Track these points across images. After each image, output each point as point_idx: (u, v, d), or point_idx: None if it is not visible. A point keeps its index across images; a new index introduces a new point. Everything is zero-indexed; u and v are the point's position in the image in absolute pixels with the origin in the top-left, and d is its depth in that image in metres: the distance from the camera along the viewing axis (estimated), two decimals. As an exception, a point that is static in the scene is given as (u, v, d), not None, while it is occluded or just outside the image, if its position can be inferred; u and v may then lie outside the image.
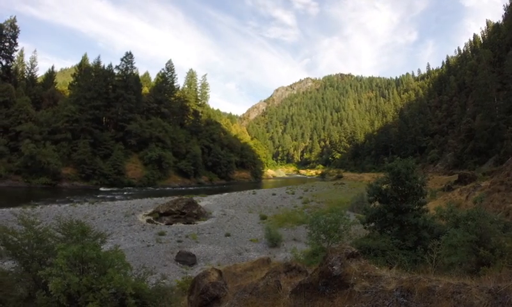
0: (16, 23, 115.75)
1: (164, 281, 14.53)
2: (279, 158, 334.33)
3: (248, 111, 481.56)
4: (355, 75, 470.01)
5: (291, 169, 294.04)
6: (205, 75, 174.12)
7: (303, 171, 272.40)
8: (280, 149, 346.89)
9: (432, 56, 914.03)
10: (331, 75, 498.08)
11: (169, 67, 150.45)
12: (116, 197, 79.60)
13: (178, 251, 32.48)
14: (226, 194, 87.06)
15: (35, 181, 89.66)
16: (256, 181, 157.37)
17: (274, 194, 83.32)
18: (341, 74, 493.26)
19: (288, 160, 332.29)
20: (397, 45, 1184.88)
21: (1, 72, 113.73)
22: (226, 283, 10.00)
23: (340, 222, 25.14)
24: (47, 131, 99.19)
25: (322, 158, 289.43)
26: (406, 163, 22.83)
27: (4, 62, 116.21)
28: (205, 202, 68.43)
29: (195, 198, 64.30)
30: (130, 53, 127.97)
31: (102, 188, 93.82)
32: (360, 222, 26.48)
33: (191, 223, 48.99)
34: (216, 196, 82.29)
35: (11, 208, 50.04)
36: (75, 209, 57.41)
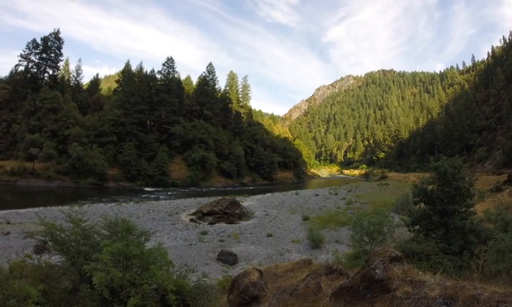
0: (60, 35, 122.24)
1: (204, 279, 14.66)
2: (322, 158, 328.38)
3: (290, 111, 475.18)
4: (397, 71, 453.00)
5: (334, 169, 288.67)
6: (246, 76, 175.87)
7: (346, 171, 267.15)
8: (322, 149, 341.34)
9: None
10: (372, 72, 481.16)
11: (210, 70, 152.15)
12: (160, 197, 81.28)
13: (220, 250, 32.72)
14: (268, 194, 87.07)
15: (82, 181, 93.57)
16: (299, 181, 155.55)
17: (317, 195, 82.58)
18: (383, 70, 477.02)
19: (331, 160, 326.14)
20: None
21: (49, 81, 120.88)
22: (266, 283, 9.95)
23: (383, 224, 24.40)
24: (93, 134, 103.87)
25: (365, 157, 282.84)
26: (452, 162, 21.85)
27: (51, 72, 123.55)
28: (247, 202, 68.72)
29: (238, 198, 64.47)
30: (171, 58, 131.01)
31: (146, 189, 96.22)
32: (404, 224, 25.69)
33: (233, 223, 49.29)
34: (258, 196, 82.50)
35: (60, 207, 52.03)
36: (121, 208, 59.02)
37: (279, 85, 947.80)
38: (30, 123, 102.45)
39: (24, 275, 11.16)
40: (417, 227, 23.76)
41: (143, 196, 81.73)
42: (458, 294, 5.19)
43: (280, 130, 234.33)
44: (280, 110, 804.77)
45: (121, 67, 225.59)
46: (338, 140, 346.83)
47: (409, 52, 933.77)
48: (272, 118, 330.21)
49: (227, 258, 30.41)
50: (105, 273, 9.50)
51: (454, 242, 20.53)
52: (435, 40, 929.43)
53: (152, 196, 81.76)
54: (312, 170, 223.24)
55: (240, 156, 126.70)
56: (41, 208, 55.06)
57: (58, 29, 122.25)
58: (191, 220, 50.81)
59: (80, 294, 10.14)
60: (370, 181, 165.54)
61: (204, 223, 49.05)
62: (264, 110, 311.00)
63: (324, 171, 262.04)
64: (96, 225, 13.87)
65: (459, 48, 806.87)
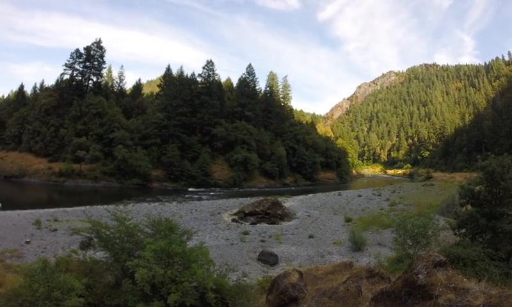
0: (101, 44, 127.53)
1: (244, 278, 14.74)
2: (365, 158, 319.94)
3: (332, 110, 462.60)
4: (440, 65, 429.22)
5: (377, 169, 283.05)
6: (286, 76, 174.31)
7: (390, 171, 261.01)
8: (365, 148, 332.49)
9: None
10: (414, 67, 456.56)
11: (250, 71, 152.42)
12: (203, 197, 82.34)
13: (261, 250, 32.76)
14: (311, 195, 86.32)
15: (127, 182, 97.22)
16: (341, 182, 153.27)
17: (359, 196, 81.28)
18: (425, 64, 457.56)
19: (374, 159, 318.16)
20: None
21: (93, 87, 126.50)
22: (306, 284, 9.88)
23: (428, 227, 23.41)
24: (137, 137, 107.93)
25: (410, 157, 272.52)
26: (501, 161, 20.67)
27: (95, 79, 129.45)
28: (289, 203, 68.42)
29: (280, 199, 64.24)
30: (211, 61, 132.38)
31: (189, 189, 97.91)
32: (449, 227, 24.75)
33: (275, 223, 49.24)
34: (300, 196, 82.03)
35: (105, 206, 53.83)
36: (164, 207, 60.20)
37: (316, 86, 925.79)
38: (77, 127, 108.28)
39: (69, 270, 11.65)
40: (463, 230, 22.69)
41: (186, 196, 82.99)
42: (503, 303, 4.94)
43: (321, 130, 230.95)
44: (321, 110, 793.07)
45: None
46: (381, 139, 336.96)
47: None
48: (314, 117, 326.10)
49: (268, 259, 30.40)
50: (147, 269, 9.73)
51: (502, 247, 19.35)
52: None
53: (195, 196, 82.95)
54: (355, 170, 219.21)
55: (282, 156, 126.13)
56: (87, 206, 57.03)
57: (100, 38, 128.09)
58: (233, 220, 51.14)
59: (122, 289, 10.43)
60: (415, 181, 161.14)
61: (246, 223, 49.24)
62: (305, 110, 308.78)
63: (368, 171, 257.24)
64: (140, 223, 14.24)
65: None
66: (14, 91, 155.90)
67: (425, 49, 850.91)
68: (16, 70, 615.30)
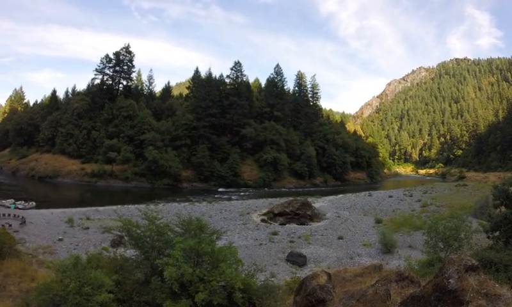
0: (130, 49, 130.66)
1: (272, 279, 14.74)
2: (396, 157, 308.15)
3: (361, 109, 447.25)
4: (471, 59, 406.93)
5: (409, 168, 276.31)
6: (314, 75, 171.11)
7: (421, 171, 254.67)
8: (396, 147, 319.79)
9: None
10: (445, 62, 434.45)
11: (278, 71, 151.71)
12: (233, 197, 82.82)
13: (290, 251, 32.68)
14: (341, 195, 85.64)
15: (158, 182, 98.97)
16: (372, 182, 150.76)
17: (390, 196, 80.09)
18: (456, 59, 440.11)
19: (405, 159, 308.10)
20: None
21: (123, 91, 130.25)
22: (334, 286, 9.79)
23: (460, 230, 22.75)
24: (168, 138, 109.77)
25: (442, 156, 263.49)
26: None
27: (125, 83, 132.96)
28: (319, 203, 68.02)
29: (309, 199, 63.68)
30: (239, 62, 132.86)
31: (219, 189, 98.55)
32: (482, 230, 24.02)
33: (304, 224, 49.06)
34: (330, 197, 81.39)
35: (136, 205, 54.96)
36: (194, 207, 60.83)
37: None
38: (108, 129, 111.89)
39: (100, 266, 11.93)
40: (497, 233, 21.94)
41: (216, 196, 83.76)
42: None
43: (351, 129, 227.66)
44: (351, 108, 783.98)
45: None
46: (413, 137, 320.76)
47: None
48: (343, 116, 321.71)
49: (296, 259, 30.29)
50: (176, 268, 9.86)
51: (537, 252, 18.49)
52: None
53: (224, 196, 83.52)
54: (386, 170, 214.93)
55: (311, 156, 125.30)
56: (118, 206, 58.28)
57: (128, 44, 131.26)
58: (262, 220, 51.19)
59: (150, 286, 10.61)
60: (447, 181, 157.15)
61: (275, 223, 49.23)
62: (334, 109, 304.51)
63: (399, 171, 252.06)
64: (170, 223, 14.46)
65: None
66: (47, 96, 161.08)
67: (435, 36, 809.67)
68: (32, 78, 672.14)
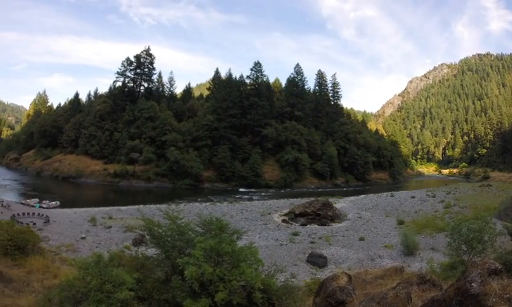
0: (150, 52, 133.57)
1: (292, 279, 14.68)
2: (418, 157, 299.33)
3: (383, 107, 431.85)
4: (494, 54, 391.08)
5: (432, 168, 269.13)
6: (335, 74, 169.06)
7: (444, 171, 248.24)
8: (419, 146, 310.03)
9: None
10: (467, 57, 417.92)
11: (298, 71, 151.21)
12: (254, 197, 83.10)
13: (310, 251, 32.58)
14: (362, 196, 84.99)
15: (179, 182, 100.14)
16: (394, 182, 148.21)
17: (413, 197, 78.90)
18: (478, 54, 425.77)
19: (428, 158, 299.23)
20: None
21: (145, 93, 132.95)
22: (354, 288, 9.71)
23: (484, 232, 22.00)
24: (189, 139, 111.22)
25: (466, 155, 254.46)
26: None
27: (146, 85, 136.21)
28: (340, 204, 67.55)
29: (331, 200, 63.44)
30: (259, 62, 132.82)
31: (240, 189, 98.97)
32: (507, 232, 23.48)
33: (325, 225, 48.85)
34: (352, 197, 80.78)
35: (158, 205, 55.76)
36: (215, 207, 61.15)
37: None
38: (130, 131, 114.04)
39: (122, 264, 12.13)
40: (522, 236, 21.55)
41: (237, 196, 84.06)
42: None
43: (373, 128, 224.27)
44: (372, 107, 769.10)
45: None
46: (436, 136, 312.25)
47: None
48: (365, 115, 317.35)
49: (317, 260, 30.19)
50: (196, 267, 9.93)
51: None
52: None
53: (246, 197, 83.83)
54: (408, 170, 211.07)
55: (333, 156, 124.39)
56: (140, 205, 59.10)
57: (148, 46, 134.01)
58: (283, 220, 51.20)
59: (171, 285, 10.72)
60: (471, 182, 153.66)
61: (296, 224, 49.18)
62: (355, 108, 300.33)
63: (421, 171, 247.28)
64: (191, 222, 14.55)
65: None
66: (70, 98, 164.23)
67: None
68: (44, 83, 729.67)
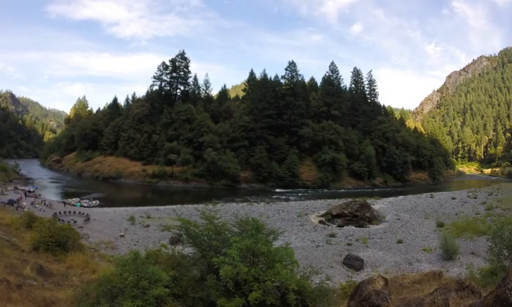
0: (185, 56, 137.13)
1: (327, 282, 14.49)
2: (459, 155, 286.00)
3: (421, 104, 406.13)
4: None
5: (473, 168, 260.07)
6: (370, 71, 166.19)
7: (486, 170, 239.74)
8: (459, 145, 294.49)
9: None
10: (507, 48, 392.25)
11: (333, 69, 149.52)
12: (291, 198, 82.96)
13: (347, 254, 32.24)
14: (401, 197, 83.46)
15: (216, 183, 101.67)
16: (434, 183, 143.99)
17: (453, 198, 76.76)
18: None
19: (469, 157, 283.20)
20: None
21: (181, 95, 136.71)
22: (390, 293, 9.53)
23: None
24: (226, 140, 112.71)
25: (508, 153, 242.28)
26: None
27: (182, 88, 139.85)
28: (378, 205, 66.50)
29: (369, 201, 62.72)
30: (293, 62, 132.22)
31: (277, 190, 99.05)
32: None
33: (362, 226, 48.27)
34: (390, 198, 79.31)
35: (195, 205, 56.54)
36: (252, 208, 61.48)
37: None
38: (168, 133, 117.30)
39: (158, 262, 12.43)
40: None
41: (274, 196, 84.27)
42: None
43: (411, 126, 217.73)
44: (411, 104, 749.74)
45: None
46: (477, 134, 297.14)
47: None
48: (403, 113, 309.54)
49: (353, 263, 29.84)
50: (232, 267, 10.00)
51: None
52: None
53: (282, 197, 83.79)
54: (449, 170, 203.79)
55: (371, 156, 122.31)
56: (178, 205, 60.40)
57: (183, 50, 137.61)
58: (320, 221, 50.96)
59: (206, 283, 10.82)
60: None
61: (333, 225, 48.86)
62: (393, 106, 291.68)
63: (462, 171, 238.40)
64: (227, 222, 14.63)
65: None
66: (108, 103, 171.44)
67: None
68: (69, 91, 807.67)
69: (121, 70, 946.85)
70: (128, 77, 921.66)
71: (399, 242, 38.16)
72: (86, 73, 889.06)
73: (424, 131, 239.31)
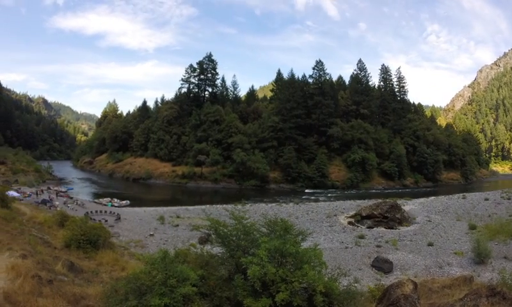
0: (212, 58, 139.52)
1: (355, 284, 14.33)
2: (492, 154, 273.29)
3: (452, 101, 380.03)
4: None
5: (507, 167, 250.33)
6: (399, 68, 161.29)
7: None
8: (492, 143, 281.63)
9: None
10: None
11: (361, 67, 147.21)
12: (320, 198, 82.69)
13: (376, 256, 31.84)
14: (432, 197, 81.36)
15: (245, 183, 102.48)
16: (466, 183, 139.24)
17: (486, 199, 74.34)
18: None
19: (503, 156, 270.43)
20: None
21: (209, 97, 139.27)
22: (419, 297, 9.40)
23: None
24: (254, 141, 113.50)
25: None
26: None
27: (210, 89, 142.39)
28: (409, 206, 65.15)
29: (399, 202, 61.64)
30: (321, 61, 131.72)
31: (306, 190, 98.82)
32: None
33: (392, 228, 47.56)
34: (421, 199, 77.33)
35: (224, 205, 57.20)
36: (280, 208, 61.51)
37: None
38: (197, 134, 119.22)
39: (187, 261, 12.72)
40: None
41: (303, 197, 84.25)
42: None
43: (442, 124, 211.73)
44: (441, 101, 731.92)
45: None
46: (511, 131, 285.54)
47: None
48: (434, 110, 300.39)
49: (382, 265, 29.44)
50: (260, 267, 10.06)
51: None
52: None
53: (312, 198, 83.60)
54: (482, 169, 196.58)
55: (401, 155, 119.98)
56: (207, 205, 61.08)
57: (210, 53, 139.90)
58: (349, 223, 50.56)
59: (233, 283, 10.94)
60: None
61: (362, 226, 48.38)
62: (423, 103, 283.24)
63: (495, 170, 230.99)
64: (256, 223, 14.69)
65: None
66: (138, 106, 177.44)
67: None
68: (88, 98, 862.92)
69: (131, 77, 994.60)
70: (138, 84, 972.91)
71: (430, 244, 37.28)
72: (101, 81, 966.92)
73: (455, 129, 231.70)
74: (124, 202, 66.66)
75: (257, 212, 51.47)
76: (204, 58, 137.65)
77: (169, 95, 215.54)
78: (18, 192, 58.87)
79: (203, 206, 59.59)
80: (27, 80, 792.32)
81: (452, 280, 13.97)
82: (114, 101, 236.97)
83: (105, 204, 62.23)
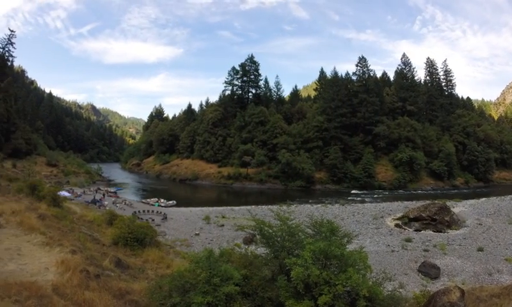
0: (254, 59, 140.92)
1: (400, 290, 14.01)
2: None
3: (503, 94, 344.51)
4: None
5: None
6: (445, 60, 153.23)
7: None
8: None
9: None
10: None
11: (406, 61, 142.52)
12: (366, 199, 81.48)
13: (423, 260, 30.94)
14: (483, 199, 77.40)
15: (291, 184, 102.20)
16: None
17: (542, 202, 70.96)
18: None
19: None
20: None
21: (253, 99, 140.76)
22: (466, 305, 9.17)
23: None
24: (299, 141, 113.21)
25: None
26: None
27: (253, 91, 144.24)
28: (459, 208, 62.49)
29: (448, 203, 59.21)
30: (364, 57, 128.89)
31: (352, 191, 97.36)
32: None
33: (441, 231, 46.09)
34: (471, 201, 73.87)
35: (269, 206, 57.41)
36: (326, 209, 61.12)
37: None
38: (242, 135, 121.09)
39: (231, 261, 12.96)
40: None
41: (349, 198, 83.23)
42: None
43: (493, 119, 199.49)
44: (491, 95, 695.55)
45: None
46: None
47: None
48: (483, 104, 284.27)
49: (429, 271, 28.58)
50: (303, 268, 10.11)
51: None
52: None
53: (358, 199, 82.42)
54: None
55: (450, 154, 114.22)
56: (252, 206, 61.78)
57: (252, 54, 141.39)
58: (396, 225, 49.54)
59: (276, 284, 11.05)
60: None
61: (409, 229, 47.25)
62: (471, 97, 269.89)
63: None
64: (301, 224, 14.75)
65: None
66: (183, 109, 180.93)
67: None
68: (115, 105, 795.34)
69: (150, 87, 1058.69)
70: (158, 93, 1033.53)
71: (480, 249, 35.68)
72: (130, 93, 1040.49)
73: (507, 124, 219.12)
74: (170, 202, 68.18)
75: (302, 213, 51.16)
76: (246, 60, 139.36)
77: (213, 98, 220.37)
78: (69, 192, 61.54)
79: (248, 207, 60.15)
80: (65, 94, 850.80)
81: (501, 289, 13.41)
82: (160, 105, 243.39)
83: (152, 204, 64.12)
